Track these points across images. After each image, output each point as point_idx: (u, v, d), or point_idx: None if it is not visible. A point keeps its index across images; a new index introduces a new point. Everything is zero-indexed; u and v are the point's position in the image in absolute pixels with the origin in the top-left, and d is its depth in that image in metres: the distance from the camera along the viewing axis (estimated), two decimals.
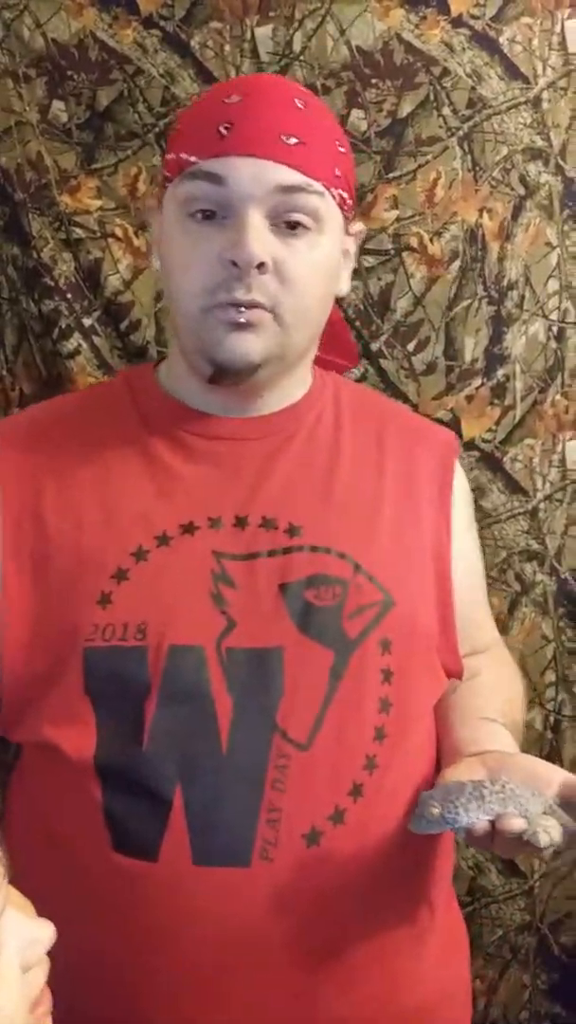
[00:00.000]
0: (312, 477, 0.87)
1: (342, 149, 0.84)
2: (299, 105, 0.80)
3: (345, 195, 0.83)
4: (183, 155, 0.80)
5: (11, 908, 0.52)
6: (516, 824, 0.70)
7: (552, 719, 1.32)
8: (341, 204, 0.83)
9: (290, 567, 0.82)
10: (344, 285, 0.89)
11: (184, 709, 0.78)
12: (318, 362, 0.93)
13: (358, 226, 0.89)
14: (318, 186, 0.79)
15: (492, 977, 1.38)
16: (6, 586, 0.82)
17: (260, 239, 0.77)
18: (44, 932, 0.53)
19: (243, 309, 0.79)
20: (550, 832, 0.70)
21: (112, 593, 0.80)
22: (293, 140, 0.78)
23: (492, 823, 0.72)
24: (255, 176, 0.77)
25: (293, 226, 0.79)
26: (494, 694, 0.93)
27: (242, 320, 0.79)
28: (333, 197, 0.81)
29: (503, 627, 1.25)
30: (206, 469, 0.85)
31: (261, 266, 0.77)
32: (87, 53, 1.16)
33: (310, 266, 0.80)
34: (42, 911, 0.55)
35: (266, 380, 0.84)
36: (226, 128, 0.78)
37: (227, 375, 0.83)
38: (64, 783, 0.81)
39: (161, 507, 0.83)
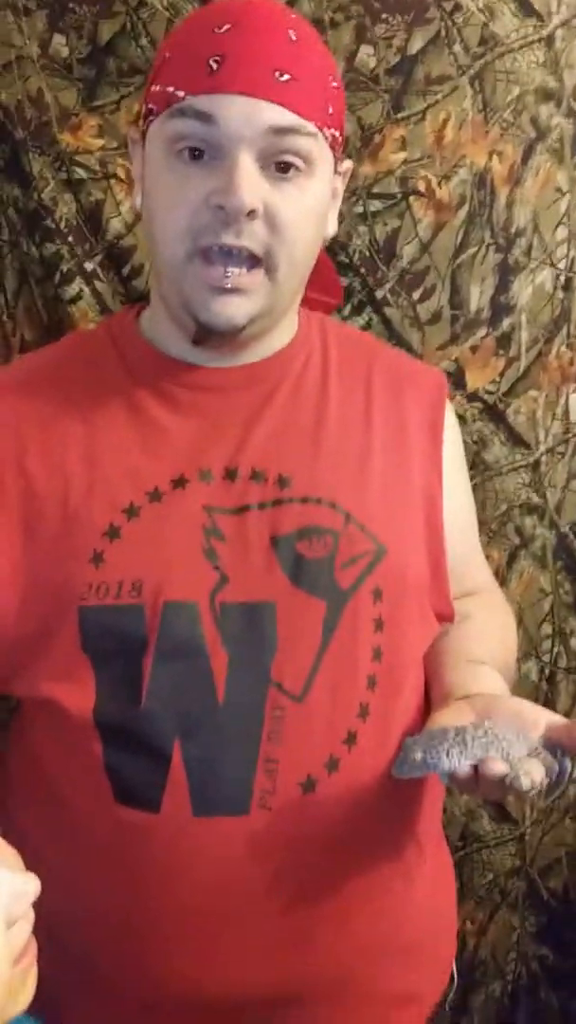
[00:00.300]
0: (300, 426, 0.85)
1: (335, 84, 0.80)
2: (292, 37, 0.77)
3: (337, 134, 0.80)
4: (170, 89, 0.76)
5: None
6: (498, 768, 0.70)
7: (547, 671, 1.32)
8: (332, 144, 0.80)
9: (281, 519, 0.81)
10: (332, 227, 0.86)
11: (180, 665, 0.79)
12: (303, 301, 0.90)
13: (347, 164, 0.86)
14: (311, 127, 0.76)
15: (482, 920, 1.41)
16: None
17: (251, 183, 0.74)
18: (29, 886, 0.53)
19: (230, 274, 0.76)
20: (532, 775, 0.70)
21: (105, 552, 0.79)
22: (286, 77, 0.75)
23: (476, 768, 0.72)
24: (247, 116, 0.74)
25: (284, 168, 0.76)
26: (485, 637, 0.93)
27: (229, 286, 0.77)
28: (325, 138, 0.79)
29: (502, 580, 1.25)
30: (193, 421, 0.84)
31: (251, 213, 0.75)
32: None
33: (302, 211, 0.78)
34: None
35: (252, 334, 0.83)
36: (216, 62, 0.74)
37: (211, 336, 0.81)
38: (64, 738, 0.82)
39: (150, 461, 0.82)
